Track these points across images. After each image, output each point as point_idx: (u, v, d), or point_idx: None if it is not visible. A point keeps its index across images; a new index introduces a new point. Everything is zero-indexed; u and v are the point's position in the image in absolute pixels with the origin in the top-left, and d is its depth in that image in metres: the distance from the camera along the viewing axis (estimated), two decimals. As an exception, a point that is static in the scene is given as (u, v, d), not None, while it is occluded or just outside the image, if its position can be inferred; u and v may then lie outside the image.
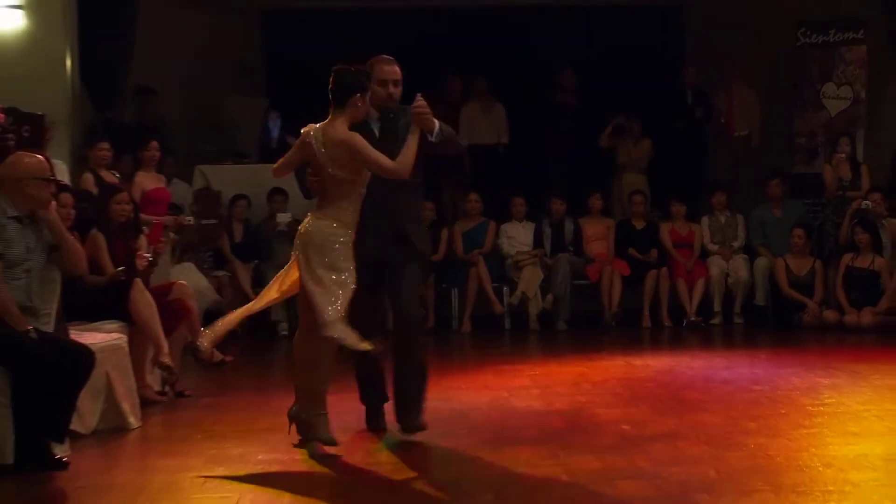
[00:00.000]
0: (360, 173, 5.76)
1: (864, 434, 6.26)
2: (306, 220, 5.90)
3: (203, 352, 8.12)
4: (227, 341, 9.83)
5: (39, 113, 7.21)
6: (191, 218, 10.17)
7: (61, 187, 7.51)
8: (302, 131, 5.86)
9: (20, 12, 9.71)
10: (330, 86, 5.77)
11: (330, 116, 5.78)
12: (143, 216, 8.87)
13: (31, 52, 9.69)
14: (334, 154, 5.65)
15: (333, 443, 5.87)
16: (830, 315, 10.90)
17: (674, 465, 5.46)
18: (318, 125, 5.81)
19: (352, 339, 5.63)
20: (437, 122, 5.91)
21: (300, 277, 5.79)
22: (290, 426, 6.06)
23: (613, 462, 5.58)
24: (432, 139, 5.86)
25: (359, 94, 5.71)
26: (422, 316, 7.90)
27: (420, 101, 5.79)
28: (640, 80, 13.29)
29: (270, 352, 10.67)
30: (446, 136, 6.00)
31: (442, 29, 13.73)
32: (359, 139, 5.67)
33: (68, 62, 9.89)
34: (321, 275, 5.66)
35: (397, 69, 6.04)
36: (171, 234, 9.69)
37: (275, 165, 6.25)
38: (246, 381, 8.41)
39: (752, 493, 4.95)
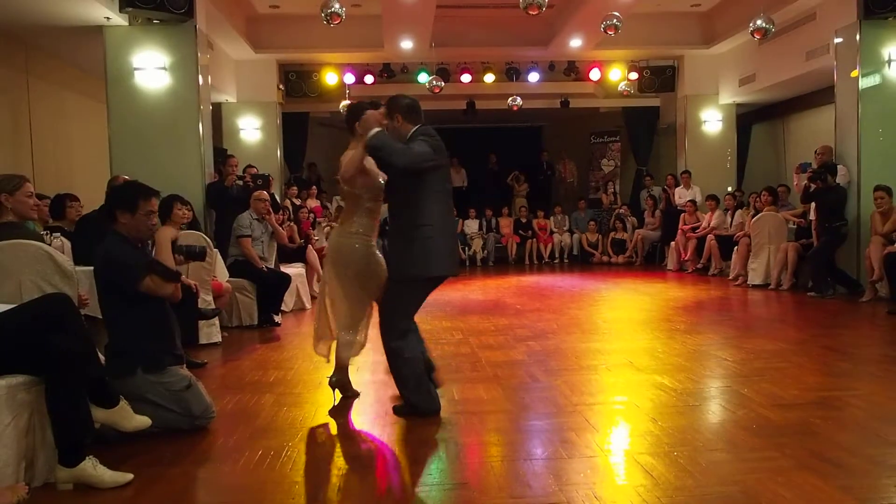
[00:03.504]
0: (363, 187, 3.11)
1: (616, 303, 6.21)
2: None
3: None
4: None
5: (267, 174, 7.27)
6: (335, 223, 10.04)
7: (297, 208, 8.02)
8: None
9: (258, 131, 9.65)
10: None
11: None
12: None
13: (262, 148, 9.60)
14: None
15: (357, 394, 3.38)
16: (605, 258, 10.94)
17: (538, 322, 5.48)
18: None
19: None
20: (373, 129, 2.81)
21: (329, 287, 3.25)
22: (333, 393, 3.38)
23: (512, 321, 5.59)
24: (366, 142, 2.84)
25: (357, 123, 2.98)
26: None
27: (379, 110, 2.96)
28: (523, 159, 13.15)
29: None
30: (372, 144, 2.78)
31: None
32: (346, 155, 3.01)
33: (278, 151, 9.78)
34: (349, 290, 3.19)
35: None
36: (326, 227, 9.66)
37: None
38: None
39: (568, 336, 4.94)
